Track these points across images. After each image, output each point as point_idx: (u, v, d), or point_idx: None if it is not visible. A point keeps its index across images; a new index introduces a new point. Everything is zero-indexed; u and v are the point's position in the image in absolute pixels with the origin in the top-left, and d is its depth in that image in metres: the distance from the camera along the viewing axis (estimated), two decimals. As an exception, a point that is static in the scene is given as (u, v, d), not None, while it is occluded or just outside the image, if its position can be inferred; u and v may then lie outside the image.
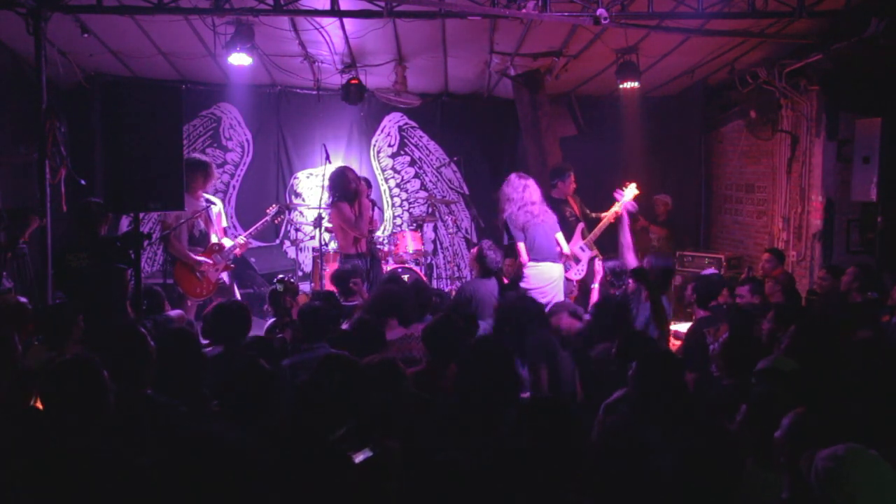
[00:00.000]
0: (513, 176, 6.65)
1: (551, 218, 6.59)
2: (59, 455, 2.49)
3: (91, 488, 2.40)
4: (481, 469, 2.34)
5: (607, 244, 7.45)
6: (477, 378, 3.20)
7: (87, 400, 2.65)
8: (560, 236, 6.61)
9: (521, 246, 6.39)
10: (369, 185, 8.10)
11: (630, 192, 7.01)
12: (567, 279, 6.77)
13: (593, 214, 7.20)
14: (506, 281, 6.59)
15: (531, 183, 6.55)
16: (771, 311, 4.61)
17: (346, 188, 6.76)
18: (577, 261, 6.92)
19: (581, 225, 7.06)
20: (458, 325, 3.98)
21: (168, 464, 2.17)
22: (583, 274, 6.89)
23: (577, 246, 6.99)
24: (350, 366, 2.98)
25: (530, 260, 6.37)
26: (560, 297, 6.36)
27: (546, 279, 6.32)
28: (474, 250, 6.08)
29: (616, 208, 6.96)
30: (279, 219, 7.64)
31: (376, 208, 7.50)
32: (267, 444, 2.62)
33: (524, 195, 6.46)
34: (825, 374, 3.50)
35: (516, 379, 3.44)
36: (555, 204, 7.15)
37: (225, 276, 6.74)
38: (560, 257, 6.58)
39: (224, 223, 6.96)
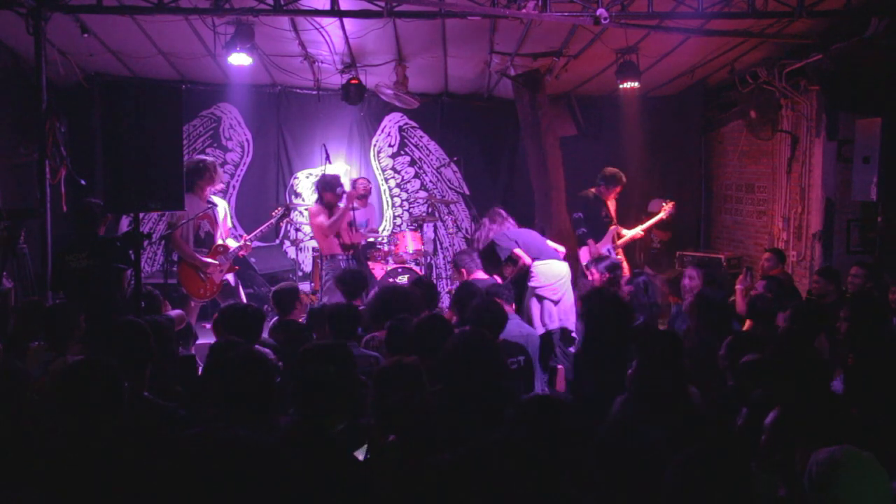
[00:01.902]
0: (486, 220, 7.12)
1: (535, 232, 6.88)
2: (70, 456, 2.49)
3: (102, 489, 2.40)
4: (477, 467, 2.33)
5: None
6: (460, 373, 3.20)
7: (106, 402, 2.64)
8: (550, 242, 6.69)
9: (519, 251, 6.41)
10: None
11: (667, 209, 7.57)
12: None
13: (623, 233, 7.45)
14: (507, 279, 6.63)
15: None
16: (788, 310, 4.60)
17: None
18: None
19: (614, 228, 7.27)
20: (447, 324, 3.99)
21: (179, 463, 2.16)
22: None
23: (606, 248, 7.12)
24: (334, 355, 2.96)
25: (534, 259, 6.40)
26: (570, 295, 6.40)
27: (555, 275, 6.35)
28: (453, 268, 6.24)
29: (651, 222, 7.54)
30: (283, 221, 7.68)
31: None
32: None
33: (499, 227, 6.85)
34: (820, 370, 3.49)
35: (501, 371, 3.44)
36: (594, 201, 7.31)
37: (230, 277, 6.75)
38: (561, 257, 6.61)
39: (229, 224, 6.97)
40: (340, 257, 7.11)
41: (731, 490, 2.10)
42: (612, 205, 7.58)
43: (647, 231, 7.85)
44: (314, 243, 8.34)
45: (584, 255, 7.15)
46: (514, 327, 4.70)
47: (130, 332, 3.34)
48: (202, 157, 7.05)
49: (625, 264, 7.29)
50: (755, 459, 2.64)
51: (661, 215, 7.52)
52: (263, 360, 2.97)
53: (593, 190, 7.62)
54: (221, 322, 4.42)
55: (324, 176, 7.33)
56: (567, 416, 2.61)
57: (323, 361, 2.89)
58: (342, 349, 3.08)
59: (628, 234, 7.49)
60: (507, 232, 6.69)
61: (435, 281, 9.22)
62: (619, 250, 7.36)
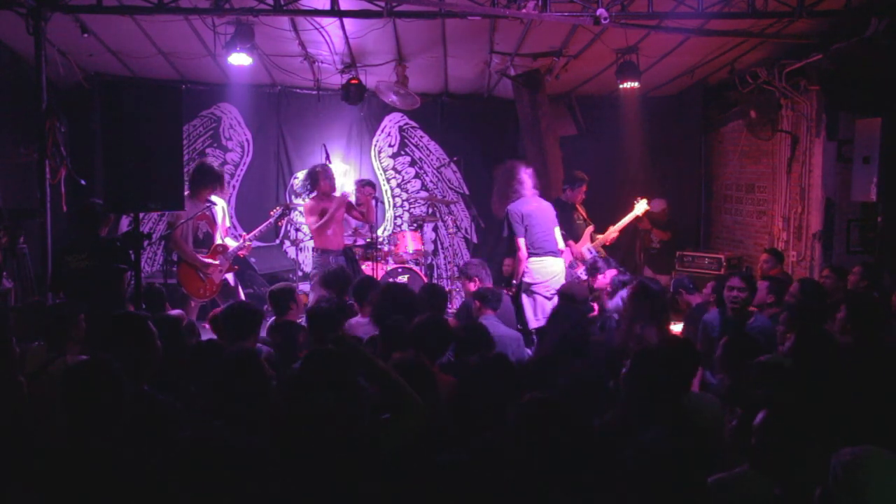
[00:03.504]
0: (517, 166, 6.59)
1: (550, 212, 6.56)
2: (73, 456, 2.49)
3: (104, 489, 2.40)
4: (480, 469, 2.34)
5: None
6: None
7: (109, 402, 2.65)
8: (557, 231, 6.61)
9: (522, 241, 6.39)
10: (371, 185, 8.22)
11: (640, 206, 7.44)
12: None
13: (598, 237, 7.38)
14: (513, 284, 6.62)
15: (530, 174, 6.56)
16: (784, 313, 4.60)
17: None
18: (584, 262, 6.99)
19: (590, 228, 7.27)
20: (447, 326, 3.97)
21: (173, 465, 2.18)
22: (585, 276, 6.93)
23: (585, 248, 7.10)
24: (337, 359, 2.95)
25: (531, 255, 6.38)
26: None
27: (549, 273, 6.34)
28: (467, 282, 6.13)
29: (626, 220, 7.40)
30: (282, 221, 7.67)
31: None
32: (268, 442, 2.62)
33: (525, 188, 6.48)
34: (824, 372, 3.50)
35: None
36: (562, 207, 7.24)
37: (230, 277, 6.75)
38: (560, 252, 6.58)
39: (228, 223, 6.97)
40: (332, 253, 7.19)
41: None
42: (581, 209, 7.58)
43: (632, 228, 7.81)
44: (314, 243, 8.34)
45: (566, 255, 7.13)
46: (490, 328, 4.68)
47: (130, 324, 3.34)
48: (211, 162, 7.06)
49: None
50: (751, 462, 2.65)
51: (636, 212, 7.49)
52: (254, 363, 2.96)
53: (562, 197, 7.57)
54: (221, 321, 4.41)
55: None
56: (566, 416, 2.61)
57: (322, 387, 2.82)
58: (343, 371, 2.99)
59: (603, 235, 7.45)
60: (523, 210, 6.35)
61: (435, 281, 9.24)
62: (600, 249, 7.35)
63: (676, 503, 2.23)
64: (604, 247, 7.42)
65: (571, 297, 5.23)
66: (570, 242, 7.15)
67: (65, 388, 2.67)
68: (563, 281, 6.41)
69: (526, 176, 6.48)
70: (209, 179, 6.43)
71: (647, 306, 4.59)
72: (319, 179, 7.25)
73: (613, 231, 7.39)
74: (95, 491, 2.40)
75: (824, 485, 2.22)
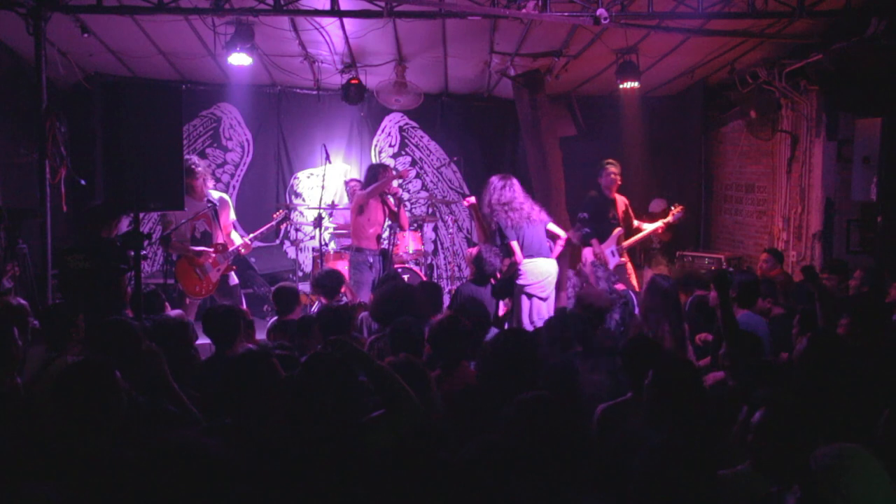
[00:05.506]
0: (493, 179, 6.60)
1: (542, 214, 6.57)
2: (69, 457, 2.49)
3: (99, 490, 2.40)
4: (481, 467, 2.33)
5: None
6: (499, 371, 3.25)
7: (103, 403, 2.64)
8: (552, 226, 6.59)
9: (515, 244, 6.40)
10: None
11: (676, 213, 7.44)
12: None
13: (636, 224, 7.36)
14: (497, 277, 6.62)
15: (513, 182, 6.53)
16: (797, 315, 4.59)
17: None
18: (602, 264, 6.98)
19: (619, 230, 7.23)
20: (464, 326, 3.97)
21: (145, 469, 2.18)
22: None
23: (609, 250, 7.10)
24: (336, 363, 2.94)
25: (526, 257, 6.38)
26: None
27: (541, 274, 6.34)
28: (474, 250, 6.10)
29: (657, 224, 7.38)
30: (285, 224, 7.66)
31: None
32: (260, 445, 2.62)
33: (508, 194, 6.45)
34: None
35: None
36: (601, 202, 7.29)
37: (233, 275, 6.73)
38: (551, 254, 6.56)
39: (233, 216, 6.90)
40: (368, 252, 7.16)
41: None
42: (619, 203, 7.56)
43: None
44: (314, 243, 8.34)
45: (588, 254, 7.12)
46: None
47: (116, 331, 3.34)
48: (188, 157, 7.03)
49: (629, 265, 7.33)
50: (754, 460, 2.65)
51: (669, 219, 7.46)
52: (265, 362, 2.95)
53: (604, 192, 7.50)
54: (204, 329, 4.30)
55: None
56: (565, 414, 2.61)
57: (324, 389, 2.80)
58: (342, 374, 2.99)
59: (632, 238, 7.45)
60: (516, 218, 6.40)
61: (436, 281, 9.23)
62: (623, 252, 7.35)
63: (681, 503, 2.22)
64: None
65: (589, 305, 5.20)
66: (595, 241, 7.13)
67: (59, 389, 2.66)
68: (554, 281, 6.42)
69: (503, 185, 6.49)
70: (189, 171, 6.33)
71: (660, 301, 4.60)
72: (379, 176, 7.21)
73: (642, 235, 7.42)
74: (90, 490, 2.40)
75: (803, 484, 2.24)
